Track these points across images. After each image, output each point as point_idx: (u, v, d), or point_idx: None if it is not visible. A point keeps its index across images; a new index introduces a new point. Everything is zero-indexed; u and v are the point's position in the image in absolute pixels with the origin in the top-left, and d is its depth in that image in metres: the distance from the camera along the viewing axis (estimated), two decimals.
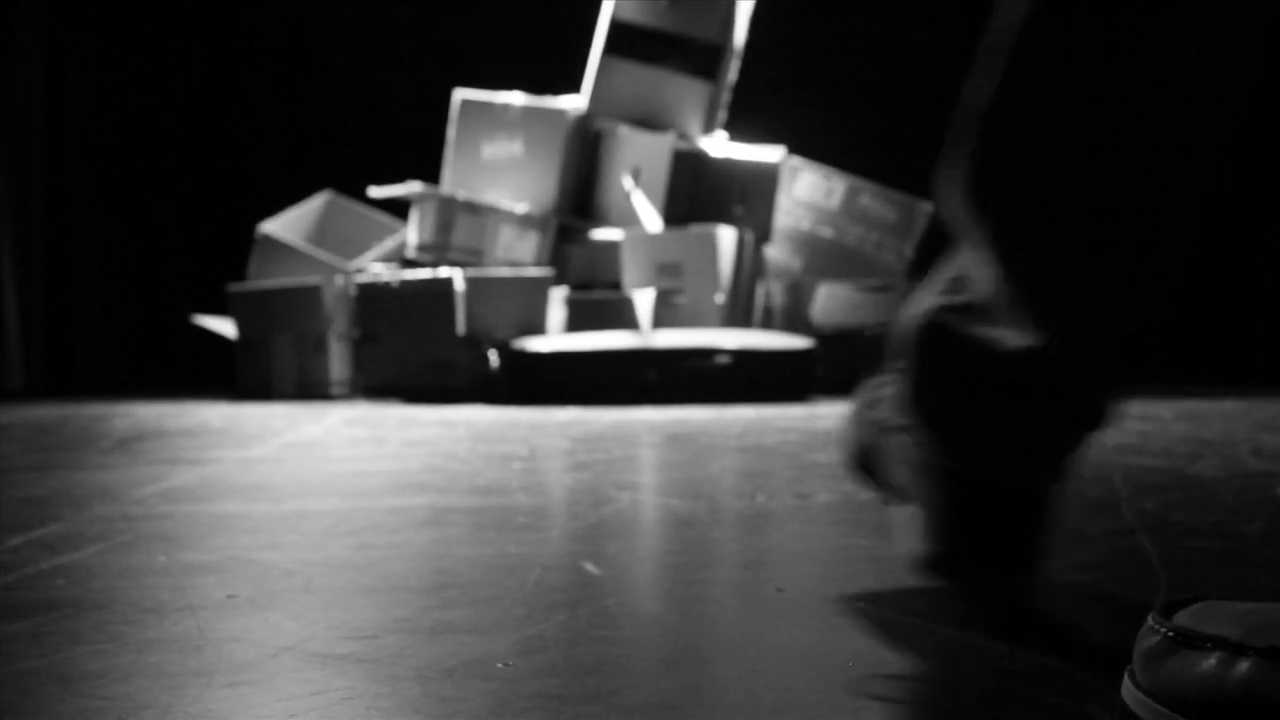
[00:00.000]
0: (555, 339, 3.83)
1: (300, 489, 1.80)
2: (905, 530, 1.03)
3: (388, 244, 4.39)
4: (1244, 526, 1.40)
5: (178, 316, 4.69)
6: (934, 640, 0.90)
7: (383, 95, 5.17)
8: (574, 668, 0.83)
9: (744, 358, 3.78)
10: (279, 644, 0.90)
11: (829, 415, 3.20)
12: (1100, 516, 1.48)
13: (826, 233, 4.47)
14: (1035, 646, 0.88)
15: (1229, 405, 3.50)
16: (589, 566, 1.20)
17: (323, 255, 4.26)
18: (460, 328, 3.83)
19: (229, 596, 1.06)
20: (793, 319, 4.24)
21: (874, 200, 4.44)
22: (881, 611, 0.99)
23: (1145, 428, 2.77)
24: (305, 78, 5.13)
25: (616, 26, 4.31)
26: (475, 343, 3.85)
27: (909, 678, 0.81)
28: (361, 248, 4.43)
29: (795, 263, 4.49)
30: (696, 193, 4.25)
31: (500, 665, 0.84)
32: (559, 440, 2.59)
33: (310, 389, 4.11)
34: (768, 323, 4.31)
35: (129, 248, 4.97)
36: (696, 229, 4.07)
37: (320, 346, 4.08)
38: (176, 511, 1.58)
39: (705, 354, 3.76)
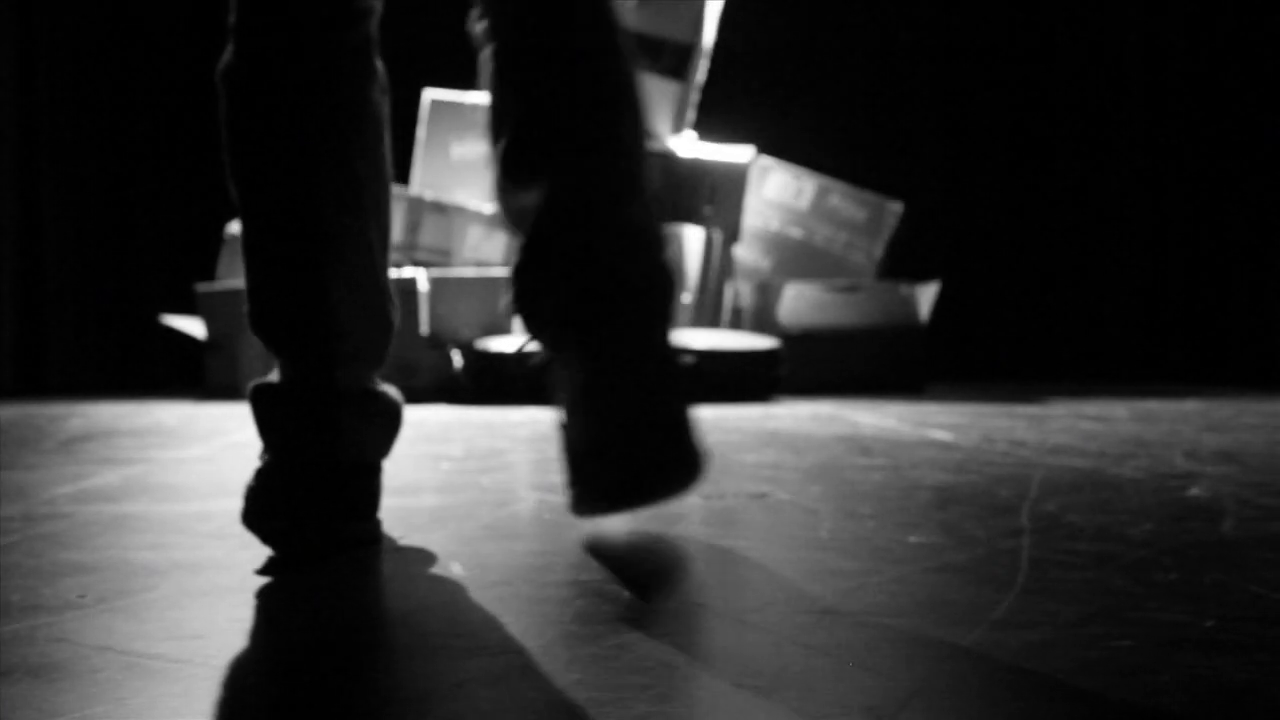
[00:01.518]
0: (518, 339, 3.83)
1: (215, 489, 1.80)
2: None
3: None
4: (1133, 529, 1.39)
5: (152, 316, 4.70)
6: (737, 635, 0.90)
7: None
8: (372, 670, 0.83)
9: (708, 358, 3.78)
10: (101, 644, 0.90)
11: (785, 415, 3.20)
12: (998, 518, 1.48)
13: (796, 233, 4.46)
14: (844, 645, 0.88)
15: (1189, 406, 3.49)
16: (455, 568, 1.20)
17: None
18: (424, 328, 3.83)
19: (79, 597, 1.07)
20: (761, 319, 4.23)
21: (843, 200, 4.43)
22: (704, 609, 0.99)
23: (1094, 428, 2.77)
24: None
25: None
26: (439, 343, 3.86)
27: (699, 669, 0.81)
28: None
29: (764, 263, 4.48)
30: (665, 193, 4.24)
31: (308, 667, 0.84)
32: (500, 441, 2.59)
33: None
34: (736, 323, 4.30)
35: (102, 247, 4.97)
36: None
37: None
38: (79, 512, 1.58)
39: None
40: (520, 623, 0.97)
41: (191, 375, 4.62)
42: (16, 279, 4.75)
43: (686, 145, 4.34)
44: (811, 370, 4.13)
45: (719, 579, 1.15)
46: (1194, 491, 1.70)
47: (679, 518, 1.50)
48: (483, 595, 1.07)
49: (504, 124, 1.30)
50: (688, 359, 1.31)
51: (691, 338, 3.82)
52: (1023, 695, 0.77)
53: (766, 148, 4.49)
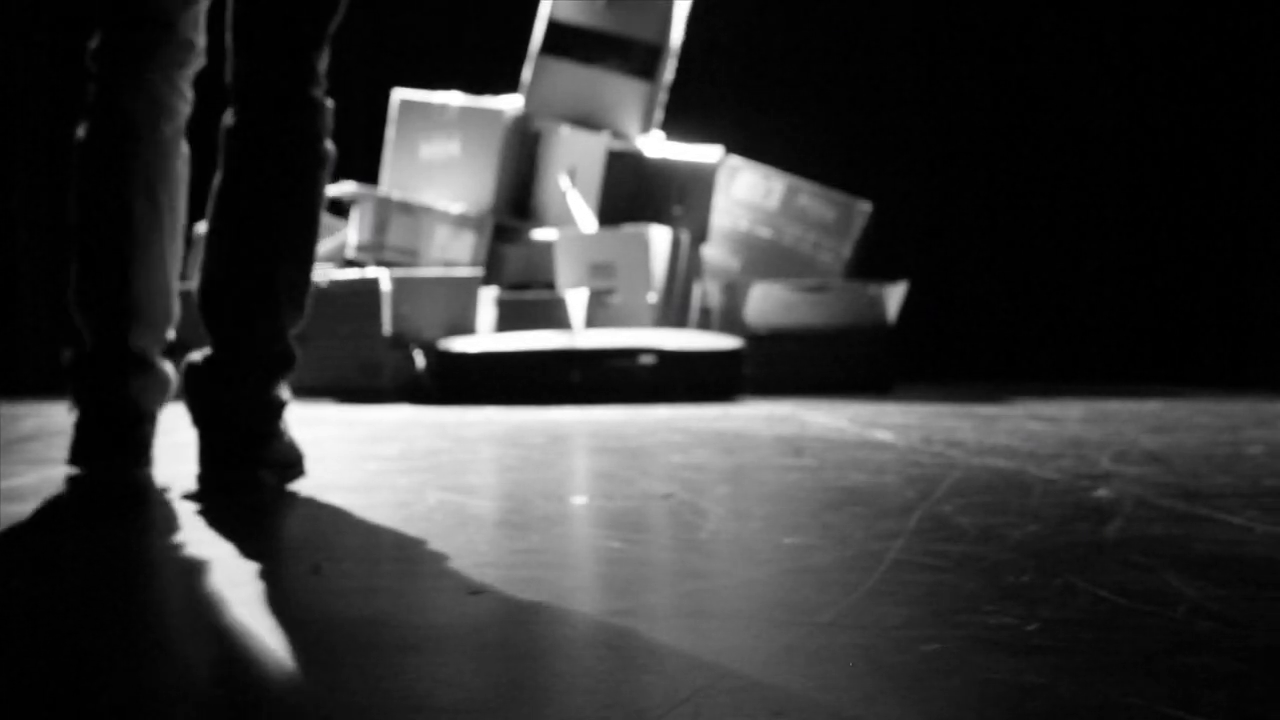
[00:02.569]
0: (481, 339, 3.84)
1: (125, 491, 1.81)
2: None
3: (328, 244, 4.40)
4: (1015, 531, 1.39)
5: None
6: (563, 630, 0.91)
7: (342, 94, 5.16)
8: (109, 666, 0.84)
9: (670, 358, 3.78)
10: None
11: (740, 416, 3.20)
12: (887, 520, 1.48)
13: (764, 233, 4.46)
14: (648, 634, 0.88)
15: (1149, 406, 3.48)
16: (319, 568, 1.20)
17: None
18: (386, 328, 3.84)
19: None
20: (730, 319, 4.23)
21: (812, 200, 4.43)
22: (535, 610, 0.99)
23: (1040, 428, 2.77)
24: None
25: (554, 27, 4.31)
26: (402, 343, 3.86)
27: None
28: None
29: (733, 263, 4.48)
30: (634, 193, 4.25)
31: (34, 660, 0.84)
32: (443, 441, 2.59)
33: None
34: (705, 323, 4.30)
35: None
36: (629, 229, 4.07)
37: None
38: None
39: (630, 354, 3.76)
40: (309, 620, 0.97)
41: None
42: None
43: (655, 145, 4.34)
44: (778, 370, 4.13)
45: (565, 580, 1.15)
46: (1100, 493, 1.70)
47: (570, 518, 1.50)
48: (324, 597, 1.07)
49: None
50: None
51: (651, 337, 3.82)
52: (795, 699, 0.77)
53: (736, 148, 4.48)
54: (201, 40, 1.85)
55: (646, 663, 0.85)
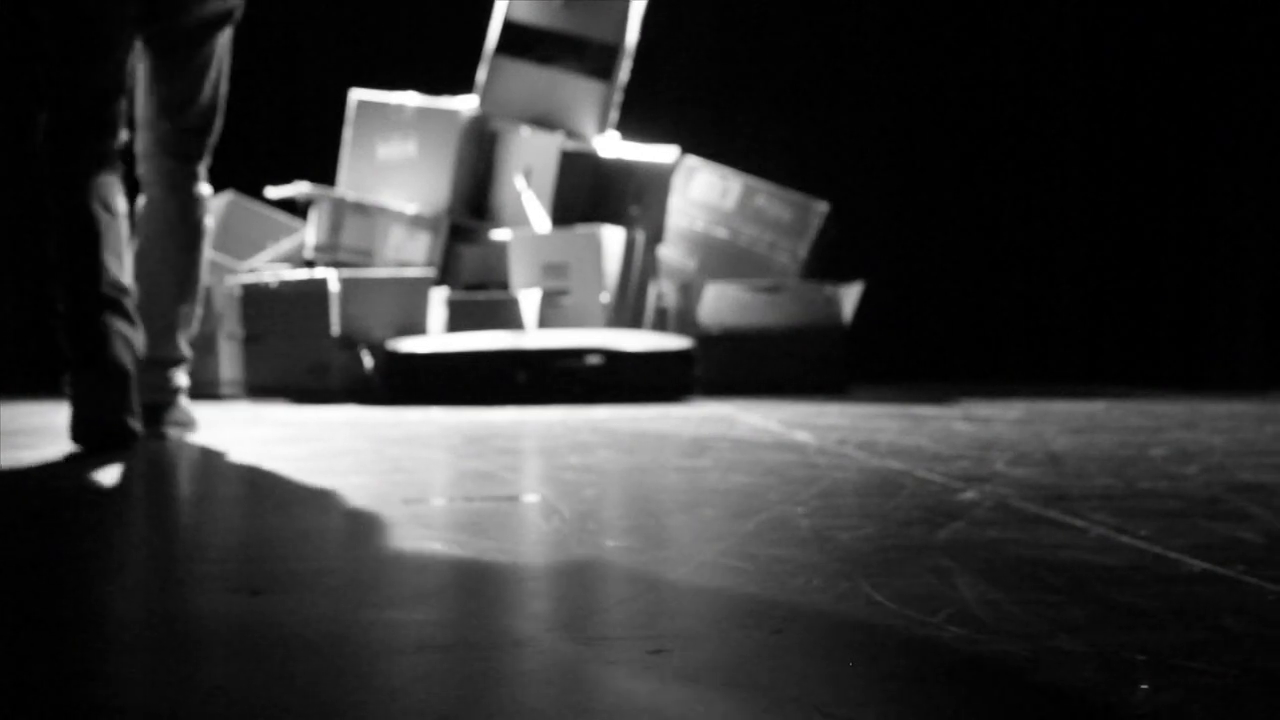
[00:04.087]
0: (429, 339, 3.84)
1: (6, 493, 1.82)
2: None
3: (284, 245, 4.41)
4: (847, 534, 1.38)
5: None
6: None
7: (301, 94, 5.18)
8: None
9: (618, 358, 3.78)
10: None
11: (675, 417, 3.19)
12: (731, 522, 1.47)
13: (721, 233, 4.46)
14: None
15: (1092, 407, 3.47)
16: (123, 566, 1.21)
17: (213, 255, 4.28)
18: (335, 328, 3.84)
19: None
20: (685, 319, 4.23)
21: (769, 200, 4.43)
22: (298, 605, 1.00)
23: (965, 429, 2.76)
24: None
25: (510, 27, 4.31)
26: (350, 343, 3.87)
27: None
28: (262, 248, 4.45)
29: (689, 263, 4.48)
30: (589, 193, 4.24)
31: None
32: (360, 442, 2.59)
33: (201, 389, 4.10)
34: (661, 323, 4.30)
35: (38, 246, 5.01)
36: (582, 229, 4.07)
37: (210, 346, 4.09)
38: None
39: (577, 354, 3.76)
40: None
41: None
42: None
43: (611, 145, 4.34)
44: (732, 371, 4.13)
45: (363, 582, 1.15)
46: (966, 495, 1.69)
47: (417, 520, 1.50)
48: (98, 595, 1.08)
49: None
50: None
51: (599, 338, 3.82)
52: (478, 701, 0.77)
53: (693, 148, 4.48)
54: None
55: (364, 666, 0.85)
